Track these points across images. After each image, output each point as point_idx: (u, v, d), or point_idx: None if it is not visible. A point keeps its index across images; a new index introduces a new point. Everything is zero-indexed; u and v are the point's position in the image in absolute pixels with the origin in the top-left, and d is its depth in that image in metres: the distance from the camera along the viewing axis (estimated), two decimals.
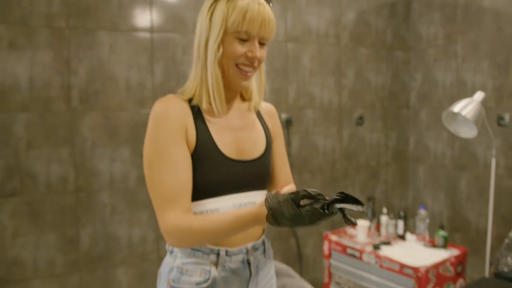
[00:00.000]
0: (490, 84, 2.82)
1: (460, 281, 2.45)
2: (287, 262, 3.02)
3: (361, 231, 2.64)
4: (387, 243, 2.55)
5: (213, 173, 1.02)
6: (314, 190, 0.84)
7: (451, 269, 2.36)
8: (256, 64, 1.05)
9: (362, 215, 2.98)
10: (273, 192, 0.89)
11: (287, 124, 2.92)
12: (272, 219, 0.85)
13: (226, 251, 1.06)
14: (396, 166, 3.50)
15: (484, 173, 2.90)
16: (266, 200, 0.87)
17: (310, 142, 3.06)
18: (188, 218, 0.96)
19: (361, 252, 2.50)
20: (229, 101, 1.11)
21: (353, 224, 0.88)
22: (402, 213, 2.67)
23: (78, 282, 2.38)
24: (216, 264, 1.05)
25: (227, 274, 1.06)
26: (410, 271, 2.24)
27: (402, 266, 2.27)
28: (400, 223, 2.66)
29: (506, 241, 2.02)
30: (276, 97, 2.89)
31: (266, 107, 1.25)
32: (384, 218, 2.71)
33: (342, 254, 2.62)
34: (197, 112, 1.05)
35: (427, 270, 2.21)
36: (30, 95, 2.22)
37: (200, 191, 1.02)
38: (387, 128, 3.43)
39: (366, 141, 3.33)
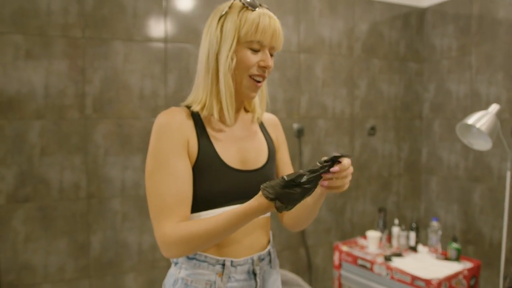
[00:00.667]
0: (504, 96, 2.79)
1: None
2: (296, 272, 3.00)
3: (372, 242, 2.61)
4: (399, 254, 2.52)
5: (216, 184, 1.02)
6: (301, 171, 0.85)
7: (464, 282, 2.32)
8: (266, 74, 1.06)
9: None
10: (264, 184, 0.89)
11: (298, 134, 2.92)
12: (280, 204, 0.86)
13: (232, 262, 1.05)
14: (408, 177, 3.47)
15: (498, 185, 2.85)
16: (263, 191, 0.87)
17: (321, 152, 3.05)
18: (185, 224, 0.96)
19: (372, 263, 2.47)
20: (237, 112, 1.13)
21: (348, 156, 0.91)
22: (414, 225, 2.63)
23: None
24: (221, 275, 1.04)
25: (232, 285, 1.05)
26: (422, 284, 2.20)
27: (414, 278, 2.24)
28: (412, 235, 2.63)
29: None
30: (288, 107, 2.90)
31: (269, 118, 1.25)
32: (395, 230, 2.68)
33: (353, 265, 2.59)
34: (200, 124, 1.06)
35: (440, 283, 2.17)
36: (45, 103, 2.27)
37: (201, 203, 1.02)
38: (400, 139, 3.40)
39: (378, 152, 3.31)
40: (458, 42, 3.11)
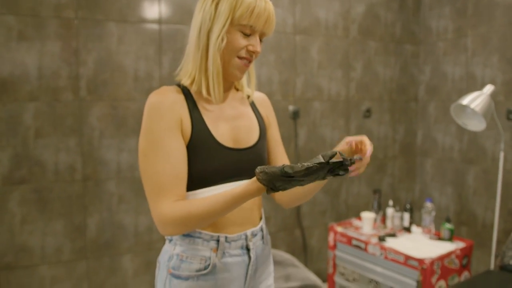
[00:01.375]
0: (500, 78, 2.79)
1: (465, 274, 2.44)
2: (292, 252, 3.04)
3: (366, 223, 2.64)
4: (393, 235, 2.55)
5: (209, 162, 1.03)
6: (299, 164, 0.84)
7: (456, 261, 2.35)
8: (253, 58, 1.07)
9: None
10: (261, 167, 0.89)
11: (294, 116, 2.93)
12: (271, 190, 0.87)
13: (226, 238, 1.07)
14: (403, 159, 3.49)
15: (492, 167, 2.88)
16: (258, 175, 0.87)
17: (317, 134, 3.06)
18: (183, 203, 0.96)
19: (366, 243, 2.50)
20: (225, 91, 1.13)
21: (359, 159, 0.91)
22: (408, 206, 2.66)
23: (85, 269, 2.42)
24: (216, 250, 1.06)
25: (226, 260, 1.07)
26: (415, 263, 2.24)
27: (407, 257, 2.27)
28: (406, 216, 2.66)
29: None
30: (283, 89, 2.89)
31: (259, 96, 1.25)
32: (390, 211, 2.70)
33: (347, 246, 2.62)
34: (192, 102, 1.06)
35: (432, 262, 2.21)
36: (39, 85, 2.25)
37: (195, 181, 1.03)
38: (395, 121, 3.41)
39: (374, 134, 3.32)
40: (454, 24, 3.10)
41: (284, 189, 0.85)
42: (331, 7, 3.03)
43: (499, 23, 2.78)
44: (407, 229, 2.65)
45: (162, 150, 0.98)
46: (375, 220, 2.73)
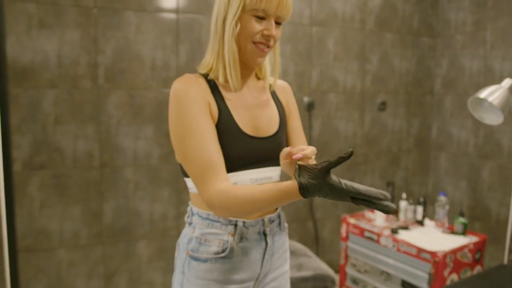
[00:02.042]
0: None
1: (478, 268, 2.44)
2: (304, 243, 3.06)
3: (379, 215, 2.65)
4: (405, 227, 2.55)
5: (233, 148, 1.04)
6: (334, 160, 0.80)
7: (469, 255, 2.35)
8: (271, 42, 1.06)
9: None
10: (297, 166, 0.85)
11: (309, 108, 2.93)
12: (306, 193, 0.83)
13: (244, 222, 1.09)
14: (417, 153, 3.47)
15: (508, 162, 2.85)
16: (296, 176, 0.84)
17: (331, 127, 3.06)
18: (231, 187, 0.96)
19: (378, 235, 2.51)
20: (244, 78, 1.14)
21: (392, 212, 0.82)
22: (422, 199, 2.66)
23: (101, 254, 2.47)
24: (233, 234, 1.09)
25: (244, 245, 1.10)
26: (427, 256, 2.24)
27: (420, 250, 2.28)
28: (419, 209, 2.65)
29: None
30: (299, 80, 2.90)
31: (280, 84, 1.26)
32: (403, 204, 2.70)
33: (360, 237, 2.63)
34: (214, 89, 1.08)
35: (445, 255, 2.21)
36: (59, 72, 2.29)
37: None
38: (410, 115, 3.39)
39: (388, 127, 3.31)
40: (474, 16, 3.05)
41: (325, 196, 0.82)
42: None
43: None
44: (420, 222, 2.65)
45: (200, 132, 1.00)
46: None
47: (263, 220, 1.13)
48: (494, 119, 1.84)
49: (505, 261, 2.36)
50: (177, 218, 2.64)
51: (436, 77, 3.42)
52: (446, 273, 2.22)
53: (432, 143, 3.50)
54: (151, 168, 2.56)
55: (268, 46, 1.07)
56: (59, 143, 2.33)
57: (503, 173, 2.89)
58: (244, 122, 1.09)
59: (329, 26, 2.97)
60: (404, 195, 2.76)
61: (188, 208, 1.17)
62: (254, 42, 1.05)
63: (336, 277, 2.36)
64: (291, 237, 3.01)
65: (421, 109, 3.44)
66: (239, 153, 1.05)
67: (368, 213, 2.88)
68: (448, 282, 2.24)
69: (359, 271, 2.67)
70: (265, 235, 1.13)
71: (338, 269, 2.96)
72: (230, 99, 1.09)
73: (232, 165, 1.05)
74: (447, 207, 2.55)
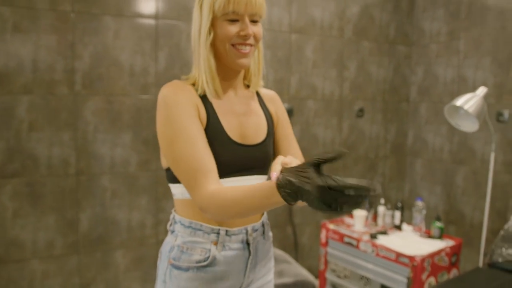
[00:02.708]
0: (491, 81, 2.85)
1: (454, 271, 2.49)
2: (283, 249, 3.06)
3: (358, 221, 2.68)
4: (384, 232, 2.59)
5: (219, 155, 1.03)
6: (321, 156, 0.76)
7: (446, 259, 2.40)
8: (251, 41, 1.05)
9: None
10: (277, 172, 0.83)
11: (288, 115, 2.94)
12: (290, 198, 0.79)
13: (226, 231, 1.08)
14: (394, 159, 3.53)
15: (481, 168, 2.93)
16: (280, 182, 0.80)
17: (310, 133, 3.09)
18: (223, 188, 0.95)
19: (358, 240, 2.54)
20: (232, 87, 1.13)
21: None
22: (399, 204, 2.70)
23: (76, 264, 2.41)
24: (216, 243, 1.07)
25: (226, 253, 1.08)
26: (406, 260, 2.27)
27: (399, 255, 2.31)
28: (397, 214, 2.70)
29: (502, 232, 2.05)
30: (278, 87, 2.91)
31: (268, 94, 1.26)
32: (381, 209, 2.74)
33: (339, 243, 2.65)
34: (203, 95, 1.08)
35: (423, 259, 2.25)
36: (34, 77, 2.23)
37: None
38: (387, 121, 3.46)
39: (366, 134, 3.36)
40: (448, 26, 3.14)
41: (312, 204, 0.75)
42: (327, 7, 3.05)
43: (491, 26, 2.83)
44: (398, 227, 2.69)
45: (189, 135, 0.99)
46: (366, 218, 2.76)
47: (246, 229, 1.12)
48: (469, 126, 1.90)
49: (481, 264, 2.41)
50: (155, 226, 2.60)
51: (412, 85, 3.50)
52: (424, 277, 2.26)
53: (408, 149, 3.57)
54: (129, 175, 2.51)
55: (250, 45, 1.06)
56: (34, 150, 2.26)
57: (476, 178, 2.97)
58: (232, 129, 1.08)
59: (308, 33, 3.00)
60: (382, 201, 2.80)
61: (171, 216, 1.15)
62: (233, 45, 1.04)
63: (317, 283, 2.37)
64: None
65: (397, 116, 3.51)
66: (226, 159, 1.04)
67: (347, 219, 2.91)
68: (426, 286, 2.28)
69: (339, 276, 2.68)
70: (248, 244, 1.12)
71: (318, 274, 2.97)
72: (218, 105, 1.09)
73: (218, 172, 1.03)
74: (424, 211, 2.60)
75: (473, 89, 2.95)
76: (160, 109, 1.02)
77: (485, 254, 2.49)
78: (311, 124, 3.08)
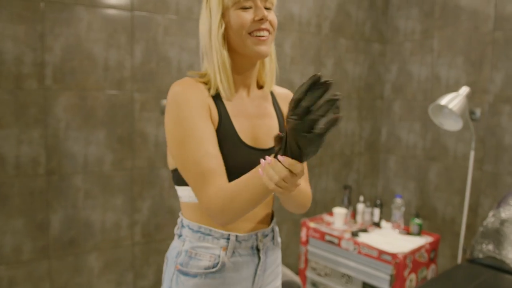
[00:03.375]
0: (463, 80, 2.92)
1: (432, 267, 2.54)
2: None
3: (338, 219, 2.68)
4: (365, 230, 2.60)
5: (230, 158, 0.99)
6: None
7: (425, 255, 2.44)
8: (268, 26, 1.01)
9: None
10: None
11: None
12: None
13: (237, 237, 1.04)
14: (368, 156, 3.57)
15: (453, 164, 3.01)
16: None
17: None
18: (225, 185, 0.92)
19: (339, 238, 2.54)
20: (246, 86, 1.08)
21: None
22: (378, 201, 2.72)
23: (46, 269, 2.27)
24: (225, 249, 1.03)
25: (236, 259, 1.04)
26: (388, 257, 2.29)
27: (381, 252, 2.33)
28: (376, 211, 2.72)
29: (481, 229, 2.10)
30: None
31: (282, 92, 1.21)
32: (360, 206, 2.76)
33: (320, 241, 2.64)
34: (215, 95, 1.03)
35: (405, 256, 2.27)
36: (0, 71, 2.07)
37: None
38: (362, 119, 3.48)
39: (342, 131, 3.37)
40: (422, 25, 3.20)
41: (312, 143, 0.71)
42: (305, 3, 3.02)
43: (464, 26, 2.90)
44: (377, 224, 2.72)
45: (201, 136, 0.94)
46: (346, 215, 2.77)
47: (256, 235, 1.08)
48: (453, 125, 1.93)
49: (459, 259, 2.47)
50: (131, 227, 2.49)
51: (386, 83, 3.54)
52: (406, 273, 2.29)
53: (381, 146, 3.62)
54: (103, 175, 2.39)
55: (267, 31, 1.01)
56: (0, 149, 2.10)
57: (448, 174, 3.05)
58: (244, 131, 1.03)
59: (286, 29, 2.96)
60: (361, 198, 2.82)
61: (178, 220, 1.11)
62: (249, 33, 0.99)
63: (301, 283, 2.35)
64: None
65: (372, 113, 3.54)
66: (236, 163, 1.00)
67: (326, 217, 2.91)
68: (407, 282, 2.31)
69: (319, 274, 2.68)
70: (258, 250, 1.08)
71: (298, 273, 2.96)
72: (231, 106, 1.04)
73: (227, 175, 0.98)
74: (403, 208, 2.64)
75: (446, 87, 3.01)
76: (170, 108, 0.97)
77: (464, 250, 2.56)
78: None
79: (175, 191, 2.61)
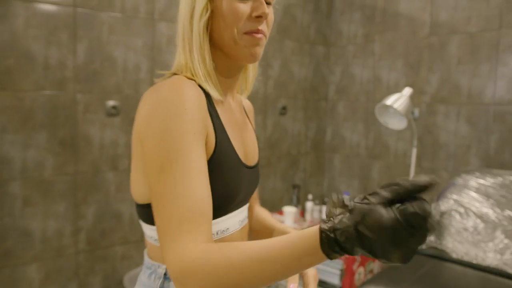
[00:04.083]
0: (403, 82, 3.08)
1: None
2: None
3: (288, 217, 2.72)
4: None
5: (233, 184, 0.79)
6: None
7: None
8: (265, 28, 0.81)
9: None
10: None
11: None
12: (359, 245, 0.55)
13: None
14: (314, 155, 3.66)
15: (394, 162, 3.17)
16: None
17: None
18: (218, 246, 0.65)
19: None
20: (231, 89, 0.89)
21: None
22: (326, 199, 2.80)
23: None
24: None
25: None
26: None
27: None
28: (325, 209, 2.80)
29: None
30: None
31: (248, 104, 1.03)
32: (309, 204, 2.82)
33: None
34: (211, 105, 0.79)
35: None
36: None
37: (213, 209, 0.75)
38: (308, 119, 3.57)
39: (288, 131, 3.43)
40: (364, 29, 3.33)
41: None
42: None
43: (402, 31, 3.07)
44: None
45: (189, 164, 0.68)
46: (295, 214, 2.83)
47: None
48: (397, 124, 2.03)
49: None
50: (74, 235, 2.37)
51: (330, 84, 3.65)
52: (355, 267, 2.38)
53: (326, 146, 3.73)
54: (43, 180, 2.26)
55: (263, 33, 0.81)
56: None
57: (390, 172, 3.20)
58: (238, 147, 0.82)
59: None
60: (310, 196, 2.88)
61: (153, 267, 0.82)
62: (244, 33, 0.78)
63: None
64: None
65: (317, 113, 3.64)
66: (239, 188, 0.80)
67: (276, 216, 2.95)
68: (356, 276, 2.40)
69: None
70: None
71: None
72: (223, 116, 0.82)
73: (229, 206, 0.80)
74: None
75: (387, 89, 3.17)
76: (155, 117, 0.70)
77: None
78: None
79: (122, 195, 2.52)
